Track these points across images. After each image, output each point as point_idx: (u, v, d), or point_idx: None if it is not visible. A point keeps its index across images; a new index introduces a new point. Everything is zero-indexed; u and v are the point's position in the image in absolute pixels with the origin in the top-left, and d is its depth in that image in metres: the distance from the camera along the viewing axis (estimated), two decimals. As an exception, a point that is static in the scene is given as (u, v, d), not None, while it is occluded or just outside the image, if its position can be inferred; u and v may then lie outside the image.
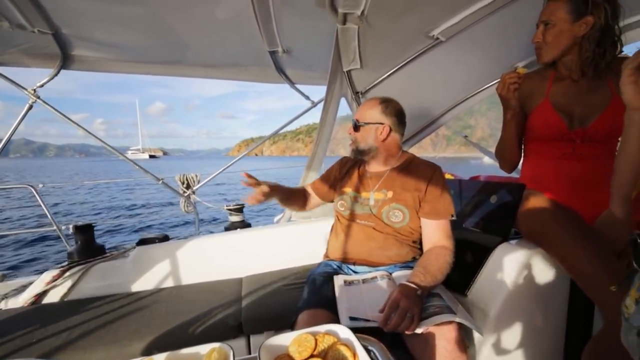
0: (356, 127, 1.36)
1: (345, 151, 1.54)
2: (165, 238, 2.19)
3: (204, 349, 0.59)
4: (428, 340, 1.01)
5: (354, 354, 0.60)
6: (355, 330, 0.67)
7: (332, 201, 1.56)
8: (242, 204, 2.63)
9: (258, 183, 1.32)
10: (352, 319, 1.05)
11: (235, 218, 2.58)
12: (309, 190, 1.60)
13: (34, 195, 2.32)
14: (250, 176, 1.32)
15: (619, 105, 1.14)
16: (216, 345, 0.59)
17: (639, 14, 1.61)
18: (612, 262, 1.05)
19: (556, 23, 1.16)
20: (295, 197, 1.57)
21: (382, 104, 1.34)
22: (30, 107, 1.96)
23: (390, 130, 1.33)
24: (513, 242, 1.31)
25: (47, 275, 1.69)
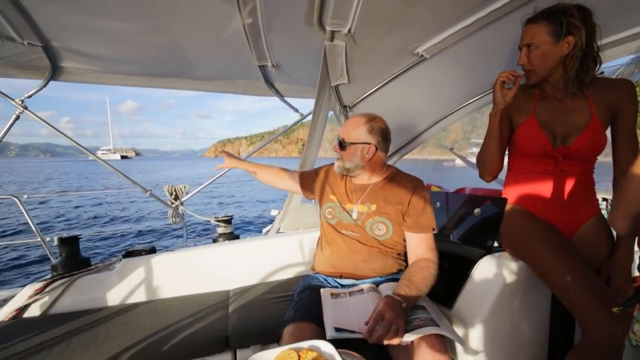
0: (342, 146, 1.37)
1: (325, 152, 1.58)
2: (152, 250, 2.17)
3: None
4: (412, 353, 1.02)
5: (335, 369, 0.61)
6: (340, 343, 0.69)
7: (309, 197, 1.62)
8: (231, 216, 2.62)
9: (228, 156, 1.70)
10: (337, 330, 1.06)
11: (223, 230, 2.57)
12: (292, 176, 1.64)
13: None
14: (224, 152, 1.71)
15: (597, 125, 1.20)
16: (199, 361, 0.60)
17: (612, 34, 1.69)
18: (591, 277, 1.08)
19: (539, 45, 1.19)
20: (264, 173, 1.69)
21: (367, 123, 1.35)
22: (18, 117, 1.95)
23: (376, 149, 1.35)
24: (496, 254, 1.34)
25: (29, 289, 1.66)
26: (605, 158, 1.36)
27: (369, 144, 1.34)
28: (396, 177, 1.42)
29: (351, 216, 1.39)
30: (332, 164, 1.57)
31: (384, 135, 1.37)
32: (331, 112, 2.15)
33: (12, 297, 1.66)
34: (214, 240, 2.53)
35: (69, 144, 2.37)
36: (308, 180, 1.60)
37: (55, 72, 1.85)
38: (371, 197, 1.38)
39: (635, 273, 1.18)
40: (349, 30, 1.54)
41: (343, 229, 1.40)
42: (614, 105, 1.20)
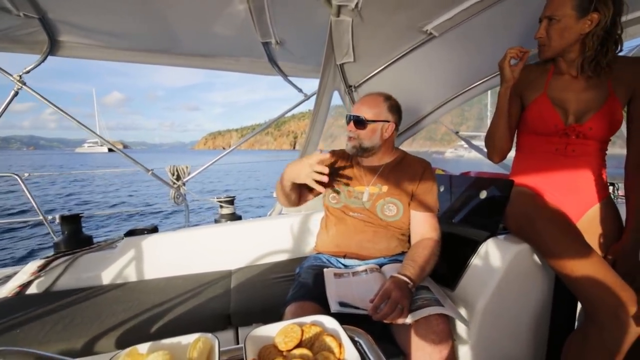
0: (362, 124, 1.32)
1: (323, 144, 1.52)
2: (154, 230, 2.16)
3: (187, 338, 0.58)
4: (416, 333, 1.02)
5: (340, 345, 0.60)
6: (344, 322, 0.68)
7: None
8: (233, 196, 2.61)
9: None
10: (341, 304, 1.05)
11: (225, 210, 2.57)
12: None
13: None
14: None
15: (615, 103, 1.15)
16: (201, 335, 0.59)
17: (631, 12, 1.62)
18: (597, 261, 1.07)
19: (561, 19, 1.12)
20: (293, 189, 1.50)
21: (387, 100, 1.34)
22: (16, 94, 1.91)
23: (395, 127, 1.35)
24: (501, 237, 1.32)
25: (32, 266, 1.66)
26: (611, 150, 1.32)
27: (388, 121, 1.33)
28: (405, 159, 1.41)
29: (360, 199, 1.36)
30: (333, 149, 1.52)
31: (400, 112, 1.38)
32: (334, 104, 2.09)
33: (16, 273, 1.67)
34: (217, 221, 2.52)
35: (53, 136, 2.34)
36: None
37: (53, 47, 1.80)
38: (382, 178, 1.36)
39: None
40: (356, 5, 1.49)
41: (350, 211, 1.38)
42: (633, 84, 1.15)
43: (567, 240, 1.11)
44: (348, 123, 1.36)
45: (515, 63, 1.21)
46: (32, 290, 1.65)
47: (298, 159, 1.24)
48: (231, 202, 2.57)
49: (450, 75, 2.19)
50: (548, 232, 1.16)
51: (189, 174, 2.69)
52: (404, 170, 1.36)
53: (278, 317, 1.18)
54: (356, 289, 1.16)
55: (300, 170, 1.18)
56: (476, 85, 2.22)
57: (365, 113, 1.32)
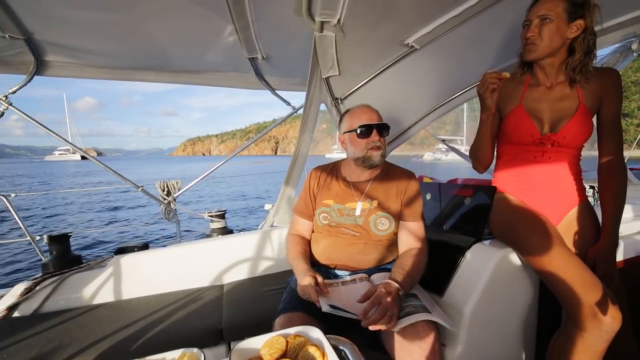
0: (386, 134, 1.37)
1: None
2: (144, 247, 2.15)
3: (172, 354, 0.59)
4: (404, 340, 1.03)
5: (324, 354, 0.62)
6: (335, 331, 0.69)
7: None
8: (224, 211, 2.61)
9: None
10: (332, 307, 1.06)
11: (216, 225, 2.56)
12: (301, 223, 1.48)
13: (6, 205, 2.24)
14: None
15: (585, 112, 1.20)
16: (186, 350, 0.59)
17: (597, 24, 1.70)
18: (576, 263, 1.10)
19: (554, 19, 1.14)
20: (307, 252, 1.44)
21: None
22: (2, 114, 1.91)
23: None
24: (486, 242, 1.35)
25: (19, 288, 1.64)
26: (591, 152, 1.37)
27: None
28: (390, 171, 1.43)
29: (353, 216, 1.36)
30: (314, 169, 1.52)
31: None
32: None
33: (2, 296, 1.64)
34: (208, 236, 2.52)
35: (19, 144, 2.31)
36: (308, 207, 1.46)
37: (39, 67, 1.81)
38: (371, 193, 1.38)
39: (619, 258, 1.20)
40: (339, 21, 1.53)
41: (343, 228, 1.37)
42: (600, 94, 1.21)
43: (547, 243, 1.15)
44: (369, 133, 1.32)
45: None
46: (20, 312, 1.62)
47: (303, 280, 1.19)
48: (222, 216, 2.57)
49: (433, 86, 2.25)
50: (528, 237, 1.19)
51: (179, 189, 2.68)
52: (391, 182, 1.38)
53: (270, 330, 1.18)
54: (346, 297, 1.17)
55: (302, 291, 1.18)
56: (458, 95, 2.28)
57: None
